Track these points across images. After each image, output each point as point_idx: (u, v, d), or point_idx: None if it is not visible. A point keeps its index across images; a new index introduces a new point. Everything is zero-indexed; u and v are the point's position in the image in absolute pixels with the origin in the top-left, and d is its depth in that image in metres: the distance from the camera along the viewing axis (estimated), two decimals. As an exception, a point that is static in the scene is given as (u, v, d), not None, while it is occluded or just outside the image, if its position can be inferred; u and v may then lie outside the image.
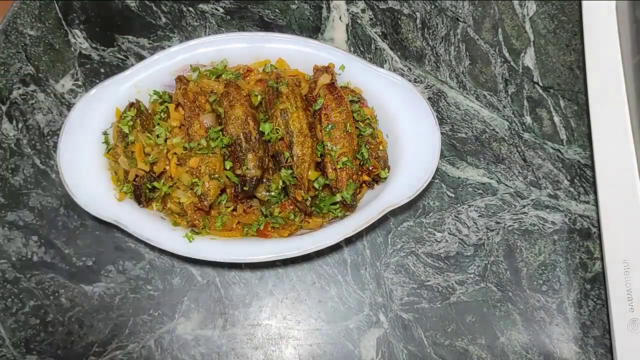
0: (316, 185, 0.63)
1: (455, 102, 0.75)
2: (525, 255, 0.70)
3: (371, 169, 0.66)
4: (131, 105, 0.66)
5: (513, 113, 0.75)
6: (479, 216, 0.71)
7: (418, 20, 0.78)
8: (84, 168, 0.65)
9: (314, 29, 0.78)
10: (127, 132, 0.65)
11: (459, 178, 0.73)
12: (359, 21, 0.78)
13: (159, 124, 0.65)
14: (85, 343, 0.66)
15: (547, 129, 0.75)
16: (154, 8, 0.78)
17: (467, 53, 0.77)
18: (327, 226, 0.65)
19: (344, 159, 0.63)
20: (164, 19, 0.77)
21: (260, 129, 0.63)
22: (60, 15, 0.76)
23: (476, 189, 0.72)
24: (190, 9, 0.78)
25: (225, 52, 0.68)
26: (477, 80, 0.76)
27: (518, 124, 0.75)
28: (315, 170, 0.63)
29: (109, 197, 0.64)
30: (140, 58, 0.75)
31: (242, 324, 0.67)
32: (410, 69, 0.77)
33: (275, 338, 0.67)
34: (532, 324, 0.68)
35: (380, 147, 0.68)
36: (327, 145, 0.63)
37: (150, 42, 0.76)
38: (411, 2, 0.79)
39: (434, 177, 0.71)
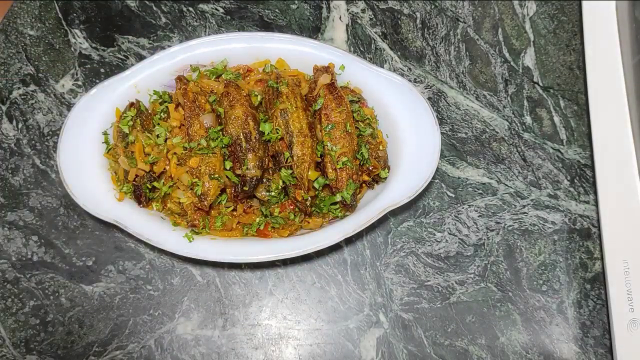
0: (316, 185, 0.63)
1: (455, 102, 0.75)
2: (525, 255, 0.70)
3: (371, 169, 0.66)
4: (131, 105, 0.66)
5: (513, 113, 0.75)
6: (479, 216, 0.71)
7: (418, 20, 0.78)
8: (84, 168, 0.65)
9: (314, 29, 0.78)
10: (127, 132, 0.65)
11: (459, 178, 0.73)
12: (359, 21, 0.78)
13: (159, 124, 0.65)
14: (85, 343, 0.66)
15: (547, 129, 0.75)
16: (154, 8, 0.78)
17: (467, 53, 0.77)
18: (327, 226, 0.65)
19: (344, 159, 0.63)
20: (164, 19, 0.77)
21: (260, 129, 0.63)
22: (60, 15, 0.76)
23: (476, 189, 0.72)
24: (190, 9, 0.78)
25: (225, 52, 0.68)
26: (477, 80, 0.76)
27: (518, 124, 0.75)
28: (315, 170, 0.63)
29: (109, 197, 0.64)
30: (140, 58, 0.75)
31: (242, 324, 0.67)
32: (410, 69, 0.77)
33: (275, 338, 0.67)
34: (532, 324, 0.68)
35: (380, 147, 0.68)
36: (327, 145, 0.63)
37: (150, 42, 0.76)
38: (411, 2, 0.79)
39: (434, 177, 0.71)
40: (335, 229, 0.63)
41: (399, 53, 0.77)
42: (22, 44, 0.75)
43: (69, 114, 0.65)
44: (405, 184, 0.64)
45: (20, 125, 0.72)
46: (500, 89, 0.76)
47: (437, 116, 0.69)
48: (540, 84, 0.77)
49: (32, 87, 0.74)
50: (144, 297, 0.67)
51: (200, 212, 0.64)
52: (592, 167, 0.72)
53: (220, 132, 0.63)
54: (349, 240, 0.70)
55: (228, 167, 0.63)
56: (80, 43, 0.76)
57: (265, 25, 0.77)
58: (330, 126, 0.64)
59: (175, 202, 0.65)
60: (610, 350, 0.66)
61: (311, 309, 0.68)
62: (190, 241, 0.62)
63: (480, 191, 0.72)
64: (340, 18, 0.78)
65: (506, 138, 0.74)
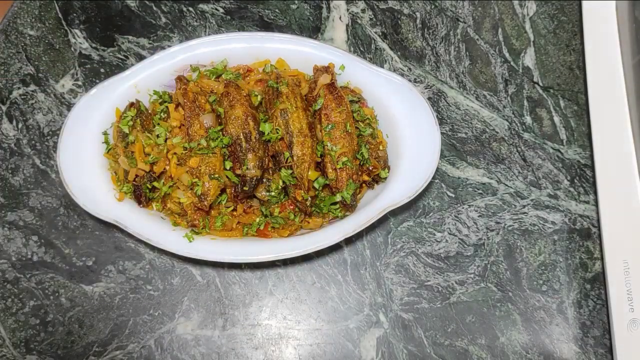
0: (316, 185, 0.63)
1: (455, 102, 0.75)
2: (525, 255, 0.70)
3: (371, 169, 0.66)
4: (131, 105, 0.66)
5: (513, 113, 0.75)
6: (479, 216, 0.71)
7: (418, 20, 0.78)
8: (84, 168, 0.65)
9: (314, 29, 0.78)
10: (127, 132, 0.65)
11: (459, 178, 0.73)
12: (359, 21, 0.78)
13: (159, 124, 0.65)
14: (85, 343, 0.66)
15: (547, 129, 0.75)
16: (154, 8, 0.78)
17: (467, 53, 0.77)
18: (327, 226, 0.65)
19: (344, 159, 0.63)
20: (164, 19, 0.77)
21: (260, 129, 0.63)
22: (60, 15, 0.76)
23: (476, 189, 0.72)
24: (190, 9, 0.78)
25: (225, 52, 0.68)
26: (477, 80, 0.76)
27: (518, 124, 0.75)
28: (315, 170, 0.63)
29: (109, 197, 0.64)
30: (140, 58, 0.75)
31: (242, 324, 0.67)
32: (410, 69, 0.77)
33: (275, 338, 0.67)
34: (532, 324, 0.68)
35: (380, 147, 0.68)
36: (327, 145, 0.63)
37: (150, 42, 0.76)
38: (411, 2, 0.79)
39: (434, 177, 0.71)
40: (335, 229, 0.63)
41: (399, 53, 0.77)
42: (22, 44, 0.75)
43: (69, 114, 0.65)
44: (405, 184, 0.64)
45: (20, 125, 0.72)
46: (500, 89, 0.76)
47: (437, 116, 0.69)
48: (540, 84, 0.77)
49: (32, 87, 0.74)
50: (144, 297, 0.67)
51: (200, 212, 0.64)
52: (592, 167, 0.72)
53: (220, 132, 0.63)
54: (349, 240, 0.70)
55: (228, 167, 0.63)
56: (80, 43, 0.76)
57: (265, 25, 0.78)
58: (330, 126, 0.64)
59: (175, 202, 0.65)
60: (610, 350, 0.66)
61: (311, 309, 0.68)
62: (190, 241, 0.62)
63: (480, 191, 0.72)
64: (340, 18, 0.78)
65: (506, 138, 0.74)
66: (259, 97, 0.66)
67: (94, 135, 0.66)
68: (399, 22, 0.78)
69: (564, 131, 0.75)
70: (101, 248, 0.69)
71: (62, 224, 0.69)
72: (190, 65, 0.68)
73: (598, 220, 0.70)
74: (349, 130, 0.64)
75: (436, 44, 0.78)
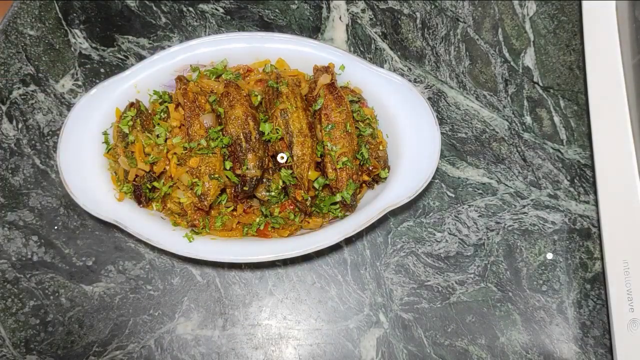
0: (316, 185, 0.63)
1: (455, 102, 0.75)
2: (525, 255, 0.70)
3: (371, 169, 0.66)
4: (131, 105, 0.66)
5: (513, 113, 0.75)
6: (479, 216, 0.71)
7: (418, 20, 0.78)
8: (84, 168, 0.65)
9: (314, 29, 0.78)
10: (127, 132, 0.65)
11: (459, 178, 0.73)
12: (359, 21, 0.78)
13: (159, 124, 0.65)
14: (85, 343, 0.66)
15: (547, 129, 0.75)
16: (154, 8, 0.78)
17: (467, 53, 0.77)
18: (327, 226, 0.65)
19: (344, 159, 0.63)
20: (164, 19, 0.77)
21: (260, 129, 0.63)
22: (60, 15, 0.76)
23: (476, 189, 0.72)
24: (190, 9, 0.78)
25: (225, 52, 0.68)
26: (477, 80, 0.76)
27: (518, 124, 0.75)
28: (315, 170, 0.63)
29: (109, 197, 0.64)
30: (140, 58, 0.75)
31: (242, 324, 0.67)
32: (410, 69, 0.77)
33: (275, 338, 0.67)
34: (532, 324, 0.68)
35: (380, 147, 0.68)
36: (327, 145, 0.63)
37: (150, 42, 0.76)
38: (411, 2, 0.79)
39: (434, 177, 0.71)
40: (335, 229, 0.63)
41: (399, 53, 0.77)
42: (22, 44, 0.75)
43: (69, 114, 0.65)
44: (405, 184, 0.64)
45: (20, 125, 0.72)
46: (500, 89, 0.76)
47: (437, 116, 0.69)
48: (540, 84, 0.77)
49: (32, 87, 0.74)
50: (144, 297, 0.67)
51: (200, 212, 0.64)
52: (592, 167, 0.72)
53: (220, 132, 0.63)
54: (349, 240, 0.70)
55: (228, 167, 0.63)
56: (80, 43, 0.76)
57: (265, 25, 0.78)
58: (330, 126, 0.64)
59: (175, 202, 0.65)
60: (610, 350, 0.66)
61: (311, 309, 0.68)
62: (190, 241, 0.62)
63: (480, 191, 0.72)
64: (340, 18, 0.78)
65: (506, 138, 0.74)
66: (259, 97, 0.66)
67: (94, 135, 0.66)
68: (399, 22, 0.78)
69: (564, 131, 0.75)
70: (101, 248, 0.69)
71: (62, 224, 0.69)
72: (190, 65, 0.68)
73: (598, 220, 0.70)
74: (349, 130, 0.64)
75: (436, 44, 0.78)
